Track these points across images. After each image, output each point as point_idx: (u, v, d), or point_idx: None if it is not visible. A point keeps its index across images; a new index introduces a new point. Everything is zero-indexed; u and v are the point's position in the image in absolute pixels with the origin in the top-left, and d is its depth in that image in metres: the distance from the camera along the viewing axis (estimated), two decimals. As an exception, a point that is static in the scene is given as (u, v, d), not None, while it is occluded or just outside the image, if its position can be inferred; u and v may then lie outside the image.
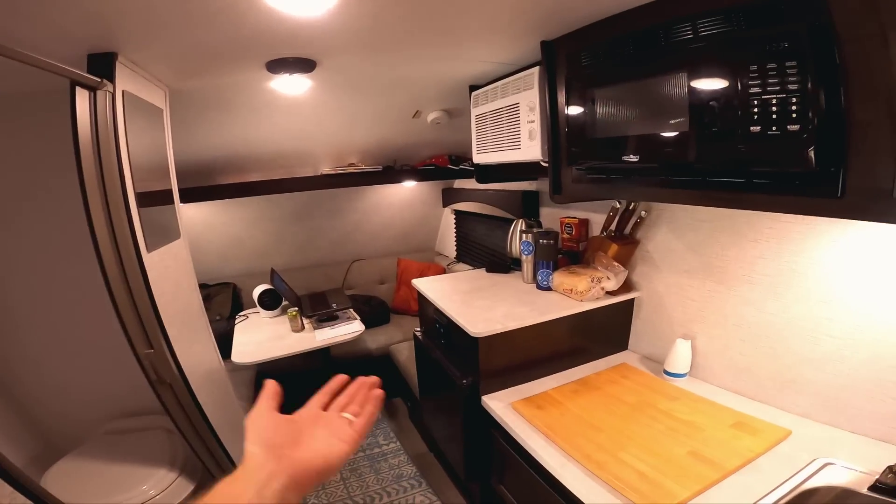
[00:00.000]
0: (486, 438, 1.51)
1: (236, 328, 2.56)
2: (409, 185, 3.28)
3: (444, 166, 2.92)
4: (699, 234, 1.48)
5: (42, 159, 1.68)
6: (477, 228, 3.15)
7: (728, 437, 1.16)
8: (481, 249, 3.10)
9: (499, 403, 1.44)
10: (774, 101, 0.80)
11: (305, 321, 2.49)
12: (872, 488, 0.90)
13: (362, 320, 2.58)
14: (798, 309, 1.23)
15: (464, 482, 2.01)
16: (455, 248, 3.50)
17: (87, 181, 1.10)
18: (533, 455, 1.22)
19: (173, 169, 1.67)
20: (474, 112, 1.91)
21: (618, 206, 1.70)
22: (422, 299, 2.00)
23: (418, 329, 2.11)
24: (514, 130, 1.65)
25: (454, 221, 3.49)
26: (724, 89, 0.89)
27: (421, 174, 2.97)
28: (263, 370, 2.68)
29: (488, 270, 2.21)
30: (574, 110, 1.30)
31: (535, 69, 1.50)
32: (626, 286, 1.70)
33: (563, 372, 1.61)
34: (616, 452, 1.12)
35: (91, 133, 1.11)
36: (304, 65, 1.45)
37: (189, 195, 2.47)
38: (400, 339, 3.00)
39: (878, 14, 0.69)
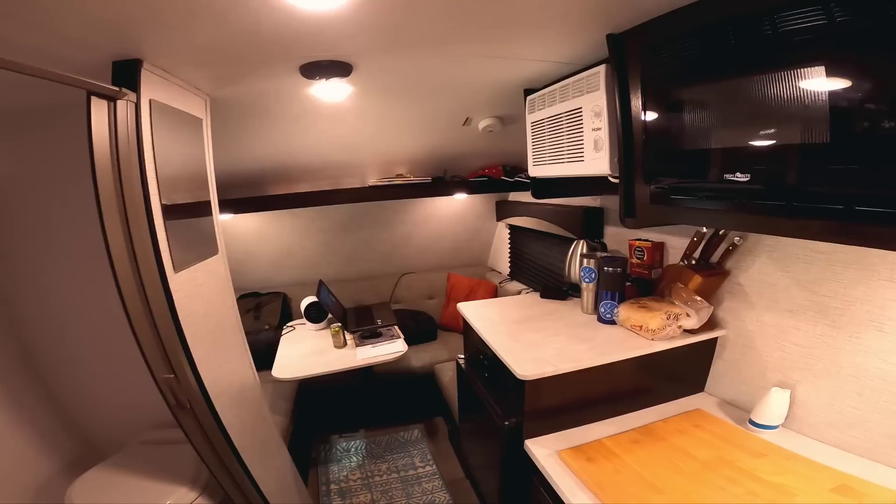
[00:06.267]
0: (524, 484, 1.33)
1: (282, 339, 2.56)
2: (461, 197, 3.11)
3: (497, 178, 2.72)
4: (812, 269, 1.19)
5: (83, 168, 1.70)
6: (533, 246, 2.92)
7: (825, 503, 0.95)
8: (537, 269, 2.86)
9: (543, 451, 1.26)
10: None
11: (348, 337, 2.43)
12: None
13: (408, 336, 2.49)
14: None
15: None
16: (509, 264, 3.29)
17: (104, 198, 1.03)
18: None
19: (213, 180, 1.61)
20: (530, 119, 1.71)
21: (704, 230, 1.42)
22: (466, 324, 1.82)
23: (461, 355, 1.94)
24: (577, 140, 1.42)
25: (509, 236, 3.28)
26: (888, 87, 0.64)
27: (472, 186, 2.80)
28: (305, 384, 2.67)
29: (543, 296, 1.98)
30: (653, 116, 1.07)
31: (601, 68, 1.28)
32: (710, 323, 1.44)
33: (623, 416, 1.40)
34: None
35: (110, 145, 1.04)
36: (340, 68, 1.34)
37: (239, 206, 2.51)
38: (445, 359, 2.87)
39: None
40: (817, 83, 0.73)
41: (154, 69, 1.19)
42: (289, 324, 2.77)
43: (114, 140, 1.04)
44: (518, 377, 1.27)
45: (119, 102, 1.05)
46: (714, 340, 1.46)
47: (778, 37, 0.77)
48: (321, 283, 2.72)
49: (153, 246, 1.16)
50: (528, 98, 1.71)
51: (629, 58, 1.15)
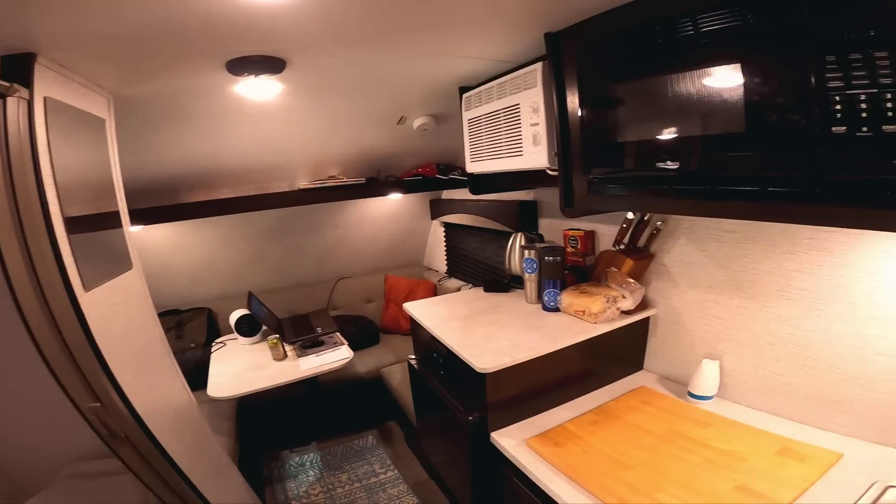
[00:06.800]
0: (495, 476, 1.35)
1: (213, 357, 2.38)
2: (395, 197, 3.08)
3: (432, 176, 2.73)
4: (725, 246, 1.33)
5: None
6: (468, 242, 2.97)
7: (774, 465, 1.04)
8: (474, 264, 2.91)
9: (511, 441, 1.28)
10: (864, 98, 0.66)
11: (288, 348, 2.31)
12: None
13: (350, 342, 2.42)
14: (843, 326, 1.10)
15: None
16: (445, 262, 3.32)
17: (-7, 208, 0.87)
18: (558, 501, 1.05)
19: (121, 187, 1.45)
20: (466, 116, 1.73)
21: (631, 217, 1.53)
22: (415, 324, 1.80)
23: (412, 356, 1.91)
24: (515, 135, 1.46)
25: (443, 235, 3.30)
26: (793, 83, 0.74)
27: (407, 186, 2.78)
28: (245, 400, 2.51)
29: (486, 290, 2.02)
30: (588, 111, 1.13)
31: (538, 65, 1.32)
32: (641, 304, 1.55)
33: (577, 399, 1.46)
34: (653, 494, 0.98)
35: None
36: (272, 64, 1.25)
37: (150, 216, 2.27)
38: (391, 361, 2.83)
39: None
40: (733, 79, 0.82)
41: (50, 64, 1.04)
42: (218, 340, 2.58)
43: (3, 142, 0.89)
44: (478, 371, 1.28)
45: (9, 100, 0.90)
46: (647, 320, 1.58)
47: (699, 36, 0.85)
48: (251, 294, 2.56)
49: (57, 263, 1.01)
50: (465, 96, 1.73)
51: (565, 55, 1.20)
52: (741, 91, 0.81)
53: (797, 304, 1.18)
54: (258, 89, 1.44)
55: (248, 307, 2.46)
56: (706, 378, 1.34)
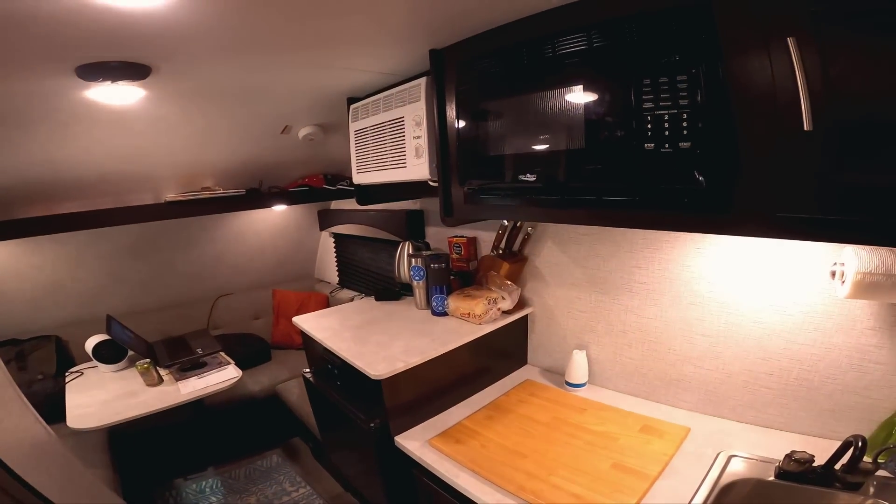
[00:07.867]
0: (407, 479, 1.36)
1: (68, 387, 2.10)
2: (280, 209, 2.96)
3: (319, 187, 2.68)
4: (582, 248, 1.52)
5: None
6: (359, 252, 2.97)
7: (640, 442, 1.19)
8: (366, 274, 2.92)
9: (415, 443, 1.31)
10: (667, 118, 0.80)
11: (163, 372, 2.12)
12: (780, 476, 0.95)
13: (238, 361, 2.29)
14: (673, 312, 1.32)
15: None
16: (337, 273, 3.27)
17: None
18: (466, 495, 1.11)
19: (-69, 202, 1.21)
20: (353, 127, 1.75)
21: (506, 223, 1.68)
22: (307, 337, 1.76)
23: (307, 370, 1.87)
24: (399, 147, 1.53)
25: (334, 246, 3.25)
26: (619, 104, 0.87)
27: (293, 197, 2.69)
28: (120, 430, 2.23)
29: (378, 299, 2.05)
30: (465, 125, 1.23)
31: (422, 80, 1.39)
32: (520, 303, 1.70)
33: (472, 397, 1.53)
34: (547, 478, 1.08)
35: None
36: (134, 71, 1.13)
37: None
38: (287, 377, 2.72)
39: (759, 28, 0.70)
40: (577, 98, 0.95)
41: None
42: (73, 369, 2.26)
43: None
44: (373, 378, 1.30)
45: None
46: (525, 317, 1.72)
47: (556, 59, 0.98)
48: (110, 318, 2.28)
49: None
50: (352, 107, 1.75)
51: (448, 71, 1.28)
52: (582, 110, 0.94)
53: (638, 295, 1.39)
54: (114, 95, 1.30)
55: (108, 332, 2.19)
56: (578, 367, 1.49)
